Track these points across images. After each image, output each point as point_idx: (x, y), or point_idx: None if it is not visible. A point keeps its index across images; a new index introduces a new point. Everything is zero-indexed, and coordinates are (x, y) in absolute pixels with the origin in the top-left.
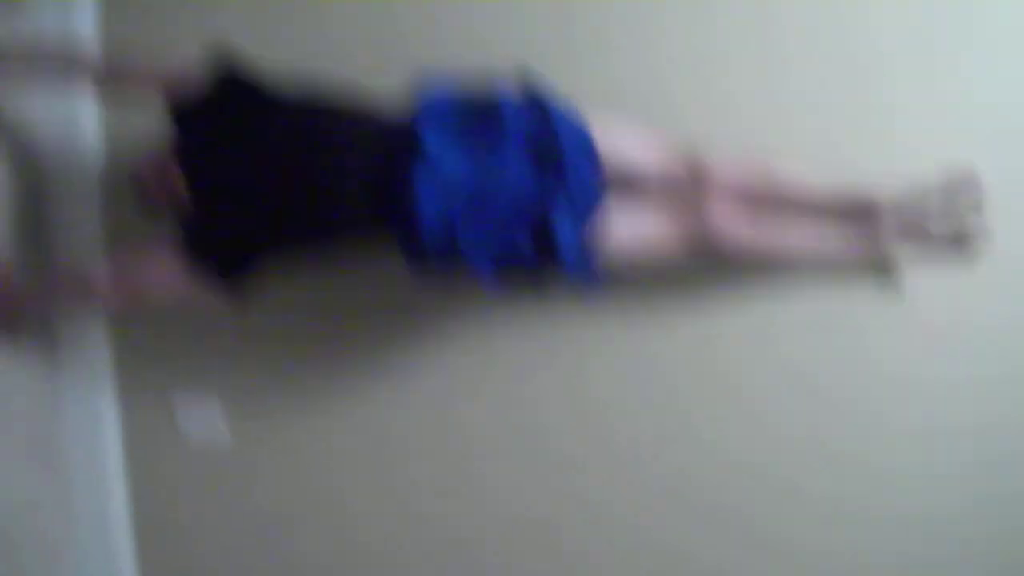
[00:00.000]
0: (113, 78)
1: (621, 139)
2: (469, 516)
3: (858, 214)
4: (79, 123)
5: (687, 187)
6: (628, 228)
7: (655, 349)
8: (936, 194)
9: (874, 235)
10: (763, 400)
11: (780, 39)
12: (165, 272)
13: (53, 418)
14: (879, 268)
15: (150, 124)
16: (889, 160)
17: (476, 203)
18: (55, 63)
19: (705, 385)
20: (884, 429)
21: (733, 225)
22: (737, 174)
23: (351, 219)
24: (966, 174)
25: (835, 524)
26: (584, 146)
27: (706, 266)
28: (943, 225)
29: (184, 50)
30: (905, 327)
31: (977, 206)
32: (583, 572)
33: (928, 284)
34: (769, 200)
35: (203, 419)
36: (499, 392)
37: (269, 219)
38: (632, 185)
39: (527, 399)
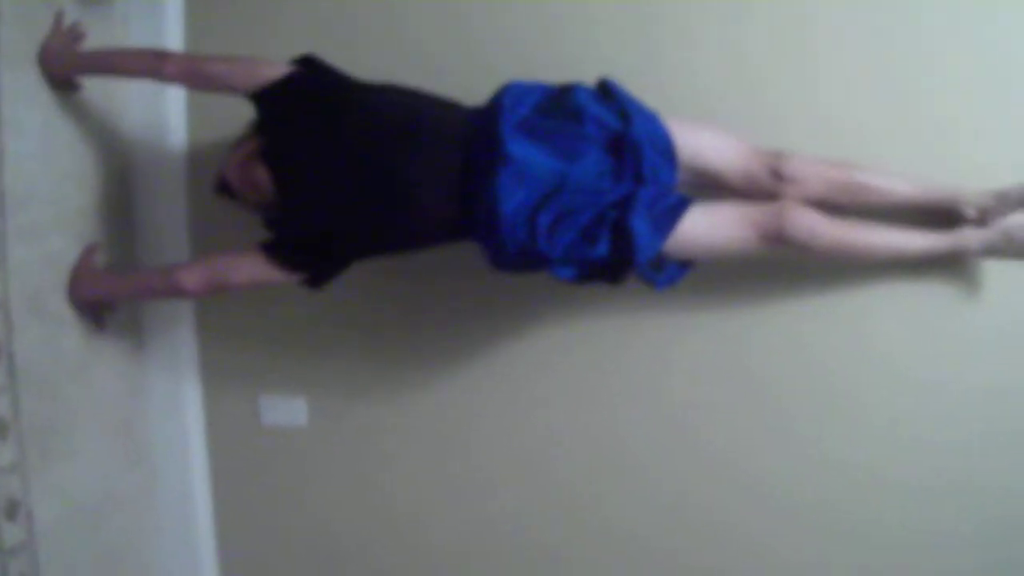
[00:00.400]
0: (199, 81)
1: (700, 139)
2: (537, 512)
3: (943, 214)
4: (167, 113)
5: (767, 187)
6: (706, 226)
7: (732, 343)
8: (1018, 194)
9: (957, 236)
10: (848, 388)
11: (868, 52)
12: (253, 271)
13: (139, 406)
14: (958, 264)
15: (237, 116)
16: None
17: (556, 200)
18: (141, 63)
19: (785, 377)
20: (959, 410)
21: (813, 223)
22: (818, 172)
23: (438, 229)
24: None
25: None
26: (663, 146)
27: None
28: None
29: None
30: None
31: None
32: None
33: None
34: (851, 201)
35: (284, 408)
36: (577, 381)
37: (358, 227)
38: (712, 185)
39: (602, 392)
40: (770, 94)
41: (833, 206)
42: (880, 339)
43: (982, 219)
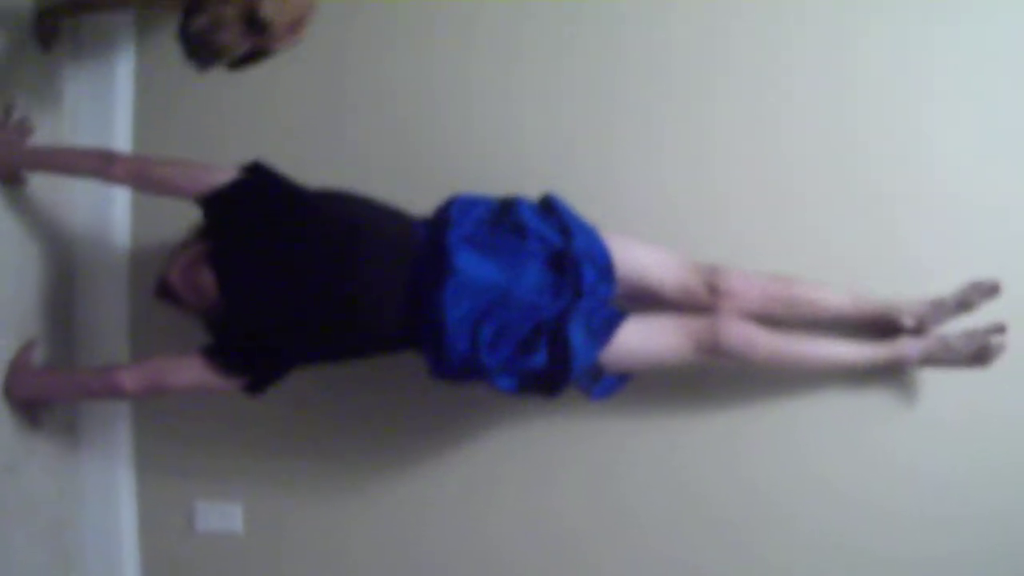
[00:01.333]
0: (145, 183)
1: (638, 254)
2: None
3: (879, 324)
4: (112, 211)
5: (704, 301)
6: (642, 337)
7: (670, 449)
8: (955, 301)
9: (895, 345)
10: (783, 499)
11: (789, 164)
12: (193, 375)
13: (70, 508)
14: (894, 374)
15: (182, 217)
16: (904, 283)
17: (499, 313)
18: (89, 163)
19: (722, 485)
20: (898, 523)
21: (749, 334)
22: (754, 285)
23: (383, 338)
24: (985, 283)
25: None
26: (601, 261)
27: (716, 369)
28: (965, 343)
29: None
30: (918, 422)
31: (1000, 327)
32: None
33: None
34: (788, 314)
35: (219, 514)
36: (519, 490)
37: (303, 336)
38: (648, 299)
39: (547, 497)
40: (689, 211)
41: (771, 319)
42: (814, 449)
43: (920, 328)
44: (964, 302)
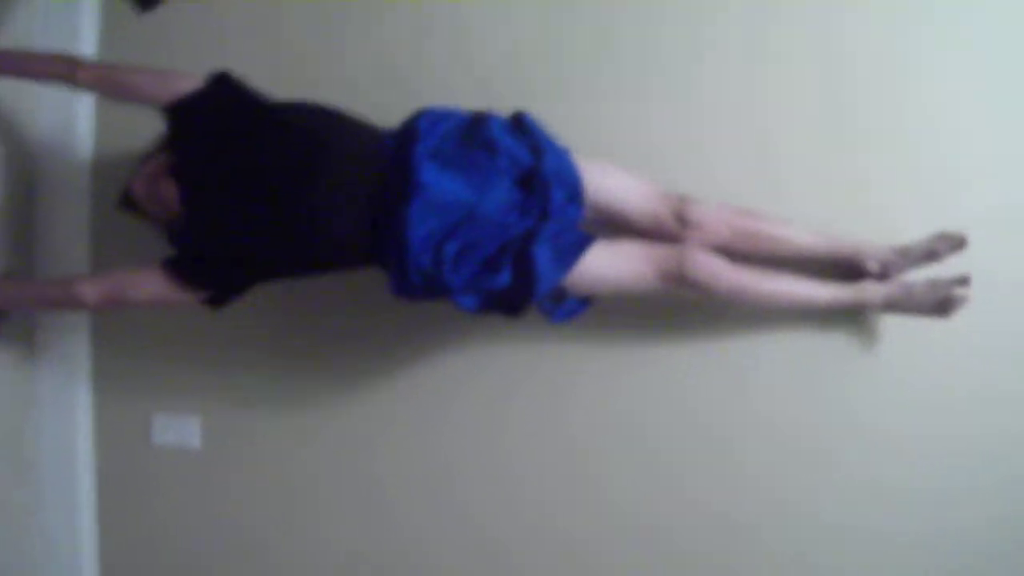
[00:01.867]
0: (111, 89)
1: (608, 179)
2: (441, 538)
3: (844, 266)
4: (75, 120)
5: (672, 231)
6: (607, 262)
7: (628, 388)
8: (921, 250)
9: (858, 288)
10: (733, 445)
11: (771, 102)
12: (154, 288)
13: (27, 417)
14: (858, 316)
15: (146, 128)
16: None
17: (464, 230)
18: (55, 68)
19: (675, 428)
20: (853, 481)
21: (714, 266)
22: (723, 219)
23: (345, 253)
24: (953, 235)
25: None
26: (571, 184)
27: (679, 302)
28: (928, 292)
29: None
30: (879, 375)
31: (964, 279)
32: None
33: (901, 332)
34: (754, 249)
35: (177, 427)
36: (477, 410)
37: (265, 250)
38: (616, 224)
39: (504, 420)
40: (666, 139)
41: (736, 253)
42: (766, 389)
43: (884, 273)
44: (930, 252)
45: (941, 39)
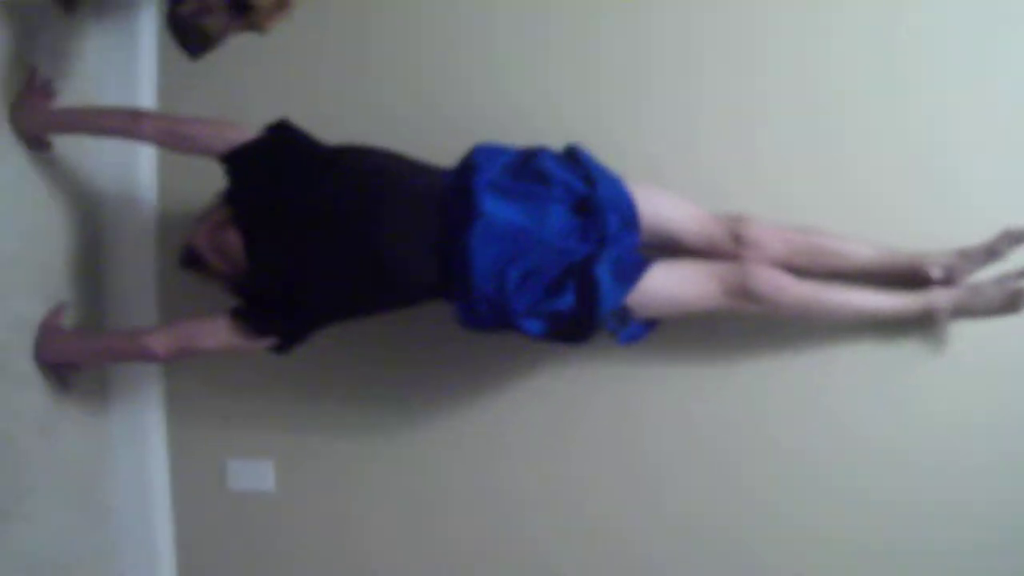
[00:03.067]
0: (171, 141)
1: (661, 204)
2: (516, 569)
3: (907, 277)
4: (138, 174)
5: (728, 251)
6: (671, 281)
7: (694, 401)
8: (983, 250)
9: (926, 295)
10: (807, 453)
11: (824, 119)
12: (222, 337)
13: (102, 468)
14: (925, 325)
15: (208, 181)
16: (940, 228)
17: (526, 257)
18: (116, 122)
19: (743, 439)
20: (924, 472)
21: (778, 279)
22: (779, 236)
23: (413, 289)
24: (1014, 231)
25: None
26: (626, 210)
27: (743, 320)
28: (996, 289)
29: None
30: (948, 373)
31: None
32: None
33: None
34: (813, 265)
35: (251, 472)
36: (544, 436)
37: (332, 292)
38: (671, 247)
39: (570, 446)
40: (718, 163)
41: (795, 270)
42: (839, 402)
43: (948, 279)
44: (993, 251)
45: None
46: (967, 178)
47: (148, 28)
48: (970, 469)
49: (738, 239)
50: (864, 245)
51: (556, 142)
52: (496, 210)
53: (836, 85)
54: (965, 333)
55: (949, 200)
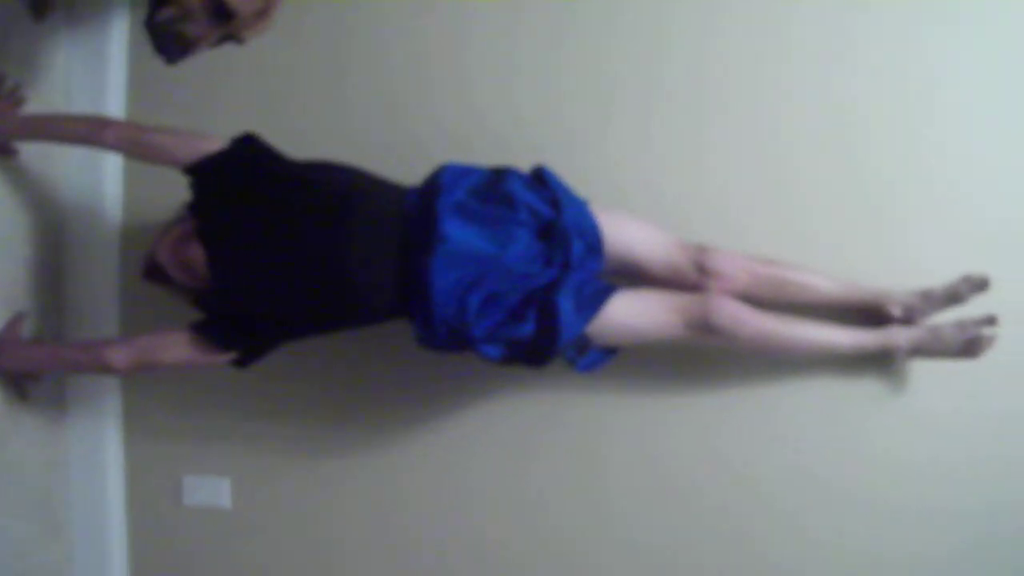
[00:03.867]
0: (137, 150)
1: (627, 231)
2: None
3: (868, 313)
4: (104, 184)
5: (692, 280)
6: (632, 311)
7: (653, 429)
8: (944, 293)
9: (884, 333)
10: (765, 483)
11: (785, 150)
12: (182, 351)
13: (58, 479)
14: (884, 360)
15: (174, 193)
16: (896, 270)
17: (487, 282)
18: (81, 130)
19: (701, 467)
20: (883, 514)
21: (738, 312)
22: (742, 266)
23: (373, 308)
24: (976, 277)
25: None
26: (591, 236)
27: (706, 351)
28: (955, 333)
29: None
30: (904, 413)
31: (991, 319)
32: None
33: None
34: (776, 296)
35: (208, 488)
36: (504, 460)
37: (293, 306)
38: (635, 275)
39: (530, 467)
40: (679, 188)
41: (757, 301)
42: (797, 436)
43: (908, 318)
44: (954, 295)
45: (954, 75)
46: (926, 219)
47: (118, 37)
48: (929, 511)
49: (702, 269)
50: (827, 279)
51: (525, 162)
52: (458, 234)
53: (798, 121)
54: (923, 376)
55: (911, 241)
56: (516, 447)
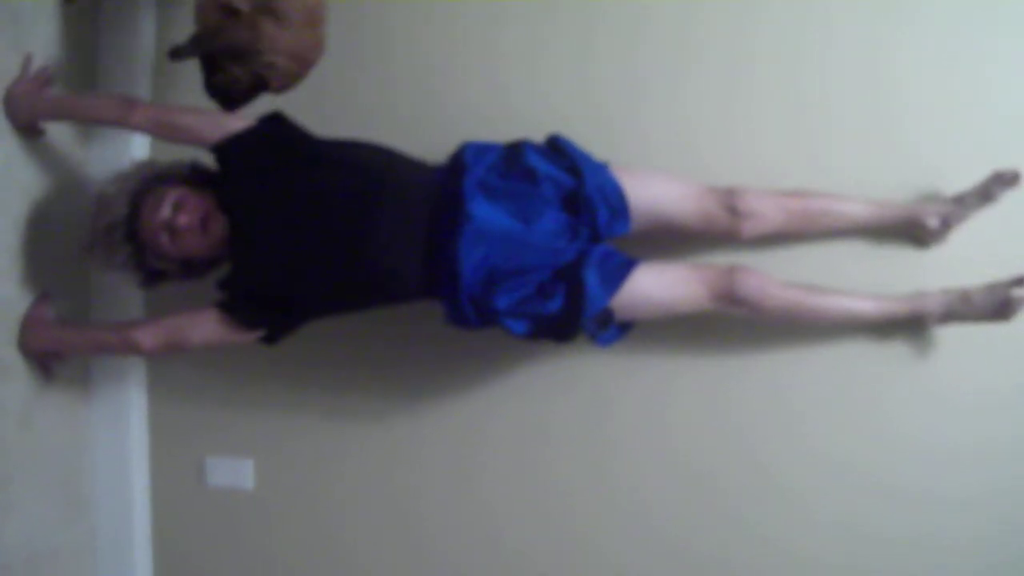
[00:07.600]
0: (165, 131)
1: (651, 187)
2: (482, 553)
3: (904, 230)
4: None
5: (725, 225)
6: (658, 284)
7: (669, 400)
8: (976, 194)
9: (914, 299)
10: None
11: (810, 86)
12: (210, 330)
13: (82, 459)
14: (911, 328)
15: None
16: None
17: (514, 258)
18: (110, 110)
19: (714, 440)
20: (897, 493)
21: (765, 283)
22: (775, 203)
23: (401, 286)
24: (1006, 173)
25: None
26: (615, 199)
27: (719, 329)
28: (987, 296)
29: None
30: (923, 391)
31: (1022, 280)
32: None
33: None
34: (811, 227)
35: (231, 470)
36: (516, 428)
37: (322, 285)
38: (667, 229)
39: (543, 435)
40: (716, 137)
41: (794, 235)
42: (808, 409)
43: (945, 226)
44: (985, 193)
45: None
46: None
47: (147, 18)
48: (946, 494)
49: (734, 211)
50: (859, 203)
51: (549, 126)
52: (485, 213)
53: (821, 56)
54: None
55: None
56: (535, 421)
